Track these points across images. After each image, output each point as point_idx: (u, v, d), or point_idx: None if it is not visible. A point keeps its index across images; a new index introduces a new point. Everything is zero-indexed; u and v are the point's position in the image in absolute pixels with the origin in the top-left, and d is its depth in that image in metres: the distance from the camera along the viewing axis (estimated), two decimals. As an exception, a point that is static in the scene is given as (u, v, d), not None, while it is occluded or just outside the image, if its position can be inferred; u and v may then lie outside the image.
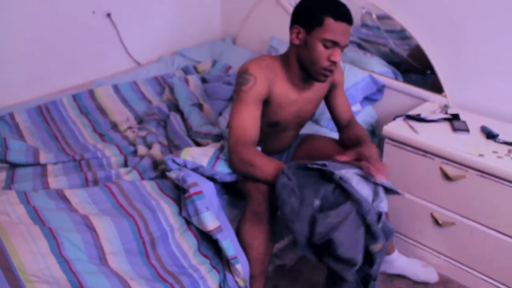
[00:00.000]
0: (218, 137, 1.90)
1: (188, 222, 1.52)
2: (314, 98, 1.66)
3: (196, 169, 1.55)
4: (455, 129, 1.79)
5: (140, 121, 2.26)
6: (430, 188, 1.79)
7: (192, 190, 1.44)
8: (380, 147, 2.02)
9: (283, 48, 2.36)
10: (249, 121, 1.48)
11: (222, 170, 1.53)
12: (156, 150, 1.87)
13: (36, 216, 1.37)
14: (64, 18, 2.34)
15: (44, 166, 1.79)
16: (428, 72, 2.09)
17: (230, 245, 1.44)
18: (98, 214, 1.44)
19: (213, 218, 1.44)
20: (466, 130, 1.79)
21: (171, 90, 2.34)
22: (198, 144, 1.97)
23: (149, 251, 1.43)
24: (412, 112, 1.95)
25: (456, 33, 1.91)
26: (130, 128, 2.18)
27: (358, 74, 2.22)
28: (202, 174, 1.55)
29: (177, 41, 2.91)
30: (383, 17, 2.25)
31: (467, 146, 1.69)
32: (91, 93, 2.32)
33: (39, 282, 1.21)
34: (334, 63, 1.47)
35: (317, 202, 1.31)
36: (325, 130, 2.20)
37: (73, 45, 2.41)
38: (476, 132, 1.79)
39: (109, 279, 1.29)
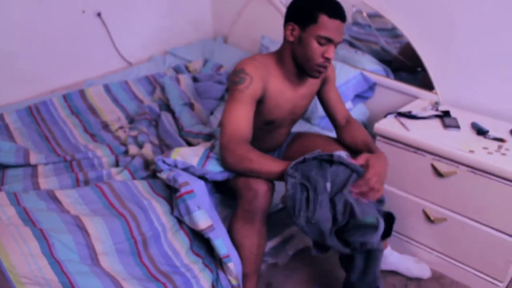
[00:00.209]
0: (209, 137, 1.90)
1: (180, 222, 1.52)
2: (308, 93, 1.67)
3: (186, 169, 1.54)
4: (446, 126, 1.80)
5: (131, 120, 2.25)
6: (422, 185, 1.79)
7: (183, 190, 1.44)
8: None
9: (274, 47, 2.37)
10: (243, 119, 1.48)
11: (213, 169, 1.53)
12: (148, 150, 1.87)
13: (27, 217, 1.36)
14: (54, 17, 2.32)
15: (34, 167, 1.77)
16: (419, 69, 2.10)
17: (222, 243, 1.44)
18: (90, 215, 1.43)
19: (205, 217, 1.44)
20: (457, 126, 1.80)
21: (162, 89, 2.34)
22: (189, 143, 1.97)
23: (141, 251, 1.43)
24: (403, 109, 1.96)
25: (447, 30, 1.92)
26: (121, 128, 2.17)
27: (349, 72, 2.22)
28: (193, 174, 1.54)
29: (168, 41, 2.90)
30: (374, 15, 2.26)
31: (458, 143, 1.70)
32: (82, 93, 2.30)
33: (30, 284, 1.20)
34: (328, 59, 1.48)
35: (328, 185, 1.37)
36: (317, 128, 2.20)
37: (63, 45, 2.40)
38: (466, 129, 1.80)
39: (101, 280, 1.28)
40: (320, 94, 1.76)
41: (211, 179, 1.56)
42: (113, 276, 1.31)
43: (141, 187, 1.59)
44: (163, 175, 1.53)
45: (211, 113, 2.32)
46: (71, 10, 2.39)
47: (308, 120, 2.25)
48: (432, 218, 1.79)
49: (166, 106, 2.25)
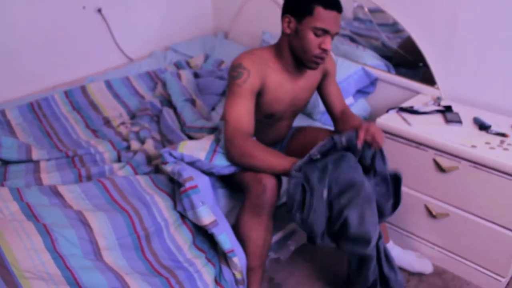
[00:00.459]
0: (212, 130, 1.90)
1: (183, 216, 1.52)
2: (308, 86, 1.68)
3: (193, 163, 1.54)
4: (448, 121, 1.80)
5: (133, 116, 2.25)
6: (424, 180, 1.79)
7: (187, 185, 1.44)
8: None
9: (275, 42, 2.36)
10: (244, 113, 1.49)
11: (220, 163, 1.53)
12: (150, 145, 1.87)
13: (30, 213, 1.36)
14: (55, 14, 2.32)
15: (36, 162, 1.77)
16: (420, 64, 2.10)
17: (226, 238, 1.45)
18: (92, 210, 1.43)
19: (208, 213, 1.44)
20: (459, 121, 1.79)
21: (164, 85, 2.33)
22: (191, 138, 1.96)
23: (144, 245, 1.43)
24: (405, 105, 1.96)
25: (448, 25, 1.92)
26: (123, 123, 2.17)
27: (350, 67, 2.22)
28: (200, 168, 1.54)
29: (169, 36, 2.90)
30: (375, 11, 2.25)
31: (460, 138, 1.69)
32: (83, 89, 2.30)
33: (34, 279, 1.20)
34: (325, 50, 1.50)
35: (325, 193, 1.39)
36: (318, 123, 2.20)
37: (64, 41, 2.39)
38: (468, 124, 1.80)
39: (104, 275, 1.28)
40: (320, 88, 1.76)
41: (218, 173, 1.56)
42: (116, 271, 1.32)
43: (144, 182, 1.59)
44: (168, 168, 1.52)
45: (213, 108, 2.32)
46: (72, 7, 2.38)
47: (309, 116, 2.25)
48: (434, 213, 1.79)
49: (168, 101, 2.25)
